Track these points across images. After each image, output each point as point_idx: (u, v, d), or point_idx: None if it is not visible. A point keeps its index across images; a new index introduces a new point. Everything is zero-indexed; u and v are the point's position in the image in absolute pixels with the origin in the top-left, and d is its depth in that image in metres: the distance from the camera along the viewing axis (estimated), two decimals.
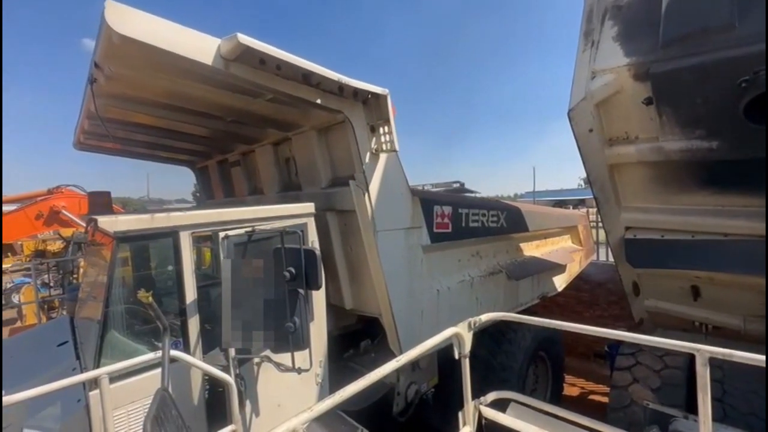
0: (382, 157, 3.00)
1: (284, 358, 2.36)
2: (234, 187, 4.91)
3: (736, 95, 2.12)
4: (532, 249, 5.32)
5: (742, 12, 2.17)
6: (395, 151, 2.92)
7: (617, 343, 4.69)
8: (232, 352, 2.34)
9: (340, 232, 3.36)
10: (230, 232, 2.30)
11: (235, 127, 3.59)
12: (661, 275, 3.44)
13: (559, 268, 5.60)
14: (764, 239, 2.54)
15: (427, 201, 3.47)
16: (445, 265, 3.77)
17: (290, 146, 3.69)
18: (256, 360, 2.54)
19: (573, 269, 6.03)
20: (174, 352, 1.97)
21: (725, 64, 2.18)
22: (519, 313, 5.39)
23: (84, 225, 4.33)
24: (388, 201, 3.03)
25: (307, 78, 2.45)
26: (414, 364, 3.77)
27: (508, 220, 4.54)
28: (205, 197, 5.66)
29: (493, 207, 4.38)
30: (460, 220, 3.84)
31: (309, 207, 3.01)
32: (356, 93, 2.74)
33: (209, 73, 2.21)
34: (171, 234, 2.35)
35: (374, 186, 2.93)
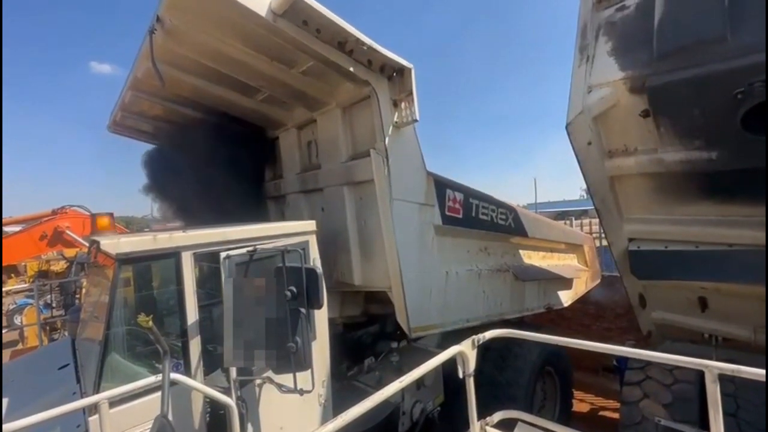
0: (402, 131, 3.18)
1: (286, 379, 2.32)
2: (256, 173, 5.00)
3: (732, 106, 2.14)
4: (538, 259, 5.33)
5: (733, 24, 2.20)
6: (416, 120, 3.08)
7: (626, 357, 4.60)
8: (233, 373, 2.31)
9: (355, 207, 3.49)
10: (231, 252, 2.30)
11: (265, 107, 3.77)
12: (667, 287, 3.39)
13: (565, 282, 5.56)
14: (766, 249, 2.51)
15: (440, 183, 3.62)
16: (455, 252, 3.89)
17: (314, 128, 3.84)
18: (258, 381, 2.51)
19: (579, 288, 5.99)
20: (174, 375, 1.94)
21: (720, 76, 2.20)
22: (525, 319, 5.35)
23: (87, 245, 4.35)
24: (405, 173, 3.20)
25: (342, 45, 2.70)
26: (419, 382, 3.70)
27: (515, 222, 4.63)
28: None
29: (502, 205, 4.49)
30: (470, 209, 3.97)
31: (310, 225, 3.02)
32: (383, 68, 2.97)
33: (258, 27, 2.43)
34: (173, 255, 2.35)
35: (393, 157, 3.08)
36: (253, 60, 2.86)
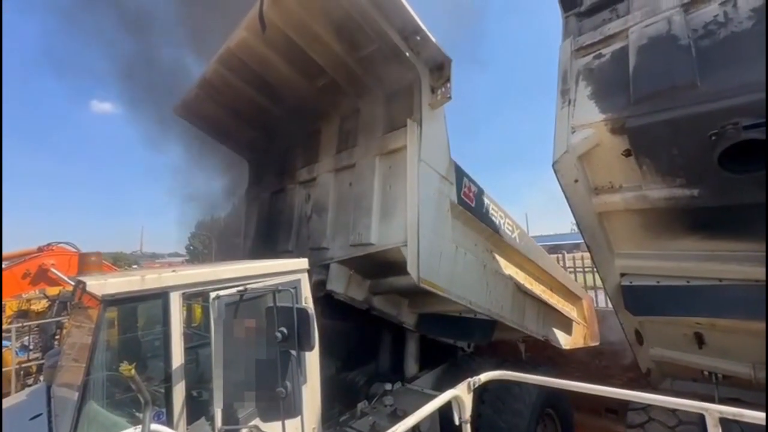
0: (435, 113, 3.67)
1: (274, 427, 2.20)
2: (289, 163, 5.25)
3: (708, 146, 2.25)
4: (539, 291, 5.29)
5: (702, 72, 2.37)
6: (450, 98, 3.58)
7: None
8: (218, 422, 2.18)
9: (383, 174, 3.82)
10: (222, 292, 2.25)
11: (319, 95, 4.23)
12: (663, 322, 3.37)
13: (564, 323, 5.52)
14: (761, 284, 2.53)
15: (459, 169, 3.97)
16: (464, 238, 4.11)
17: (357, 116, 4.19)
18: (244, 431, 2.37)
19: (577, 338, 5.93)
20: (154, 426, 1.83)
21: (693, 119, 2.33)
22: (523, 357, 5.13)
23: (72, 284, 4.22)
24: (432, 143, 3.63)
25: (401, 31, 3.31)
26: (414, 428, 3.53)
27: (520, 239, 4.82)
28: (253, 186, 5.82)
29: (510, 218, 4.70)
30: (482, 204, 4.26)
31: (302, 263, 2.99)
32: (428, 59, 3.52)
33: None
34: (161, 295, 2.30)
35: (425, 128, 3.54)
36: (329, 37, 3.41)
